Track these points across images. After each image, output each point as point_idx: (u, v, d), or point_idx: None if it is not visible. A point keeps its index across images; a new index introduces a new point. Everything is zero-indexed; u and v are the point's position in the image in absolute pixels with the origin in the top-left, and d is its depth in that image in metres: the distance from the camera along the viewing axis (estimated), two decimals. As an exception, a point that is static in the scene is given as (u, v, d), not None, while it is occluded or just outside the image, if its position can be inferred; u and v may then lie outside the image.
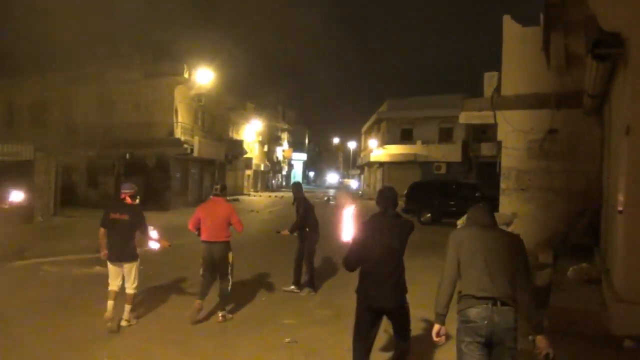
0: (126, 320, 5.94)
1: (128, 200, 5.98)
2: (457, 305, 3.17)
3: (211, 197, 6.47)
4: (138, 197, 6.10)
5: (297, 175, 74.46)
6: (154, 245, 6.35)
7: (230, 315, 6.42)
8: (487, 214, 3.38)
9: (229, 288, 6.37)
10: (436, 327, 3.23)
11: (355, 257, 3.95)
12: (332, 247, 11.72)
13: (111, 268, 5.93)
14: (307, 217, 7.85)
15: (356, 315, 4.04)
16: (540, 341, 3.07)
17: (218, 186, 6.53)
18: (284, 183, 61.12)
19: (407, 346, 4.06)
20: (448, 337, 3.42)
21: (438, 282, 3.29)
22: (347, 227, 4.52)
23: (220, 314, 6.28)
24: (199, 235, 6.30)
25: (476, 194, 18.40)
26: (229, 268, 6.37)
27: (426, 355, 5.08)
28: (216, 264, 6.23)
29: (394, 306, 3.89)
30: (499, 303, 2.97)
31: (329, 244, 9.17)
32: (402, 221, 4.08)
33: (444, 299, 3.21)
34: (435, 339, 3.23)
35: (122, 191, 6.03)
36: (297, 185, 8.32)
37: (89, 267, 9.15)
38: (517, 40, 10.96)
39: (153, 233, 6.21)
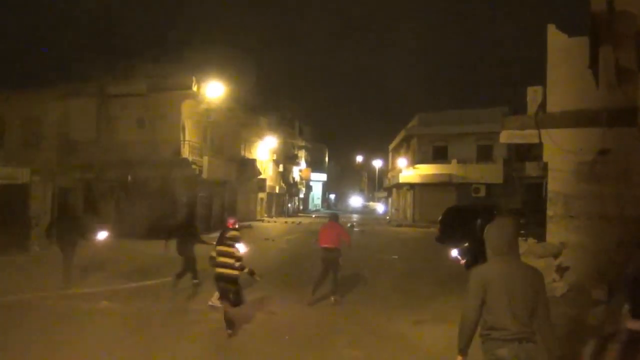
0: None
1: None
2: (482, 345, 3.66)
3: (328, 221, 10.84)
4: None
5: (315, 198, 74.93)
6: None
7: (339, 298, 10.19)
8: (504, 238, 3.74)
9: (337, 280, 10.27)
10: (459, 358, 3.73)
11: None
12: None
13: None
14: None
15: None
16: None
17: (332, 215, 11.24)
18: (301, 207, 61.60)
19: None
20: None
21: (461, 321, 3.72)
22: None
23: (332, 298, 10.13)
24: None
25: (521, 221, 18.53)
26: (338, 267, 10.27)
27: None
28: (330, 263, 10.16)
29: None
30: (524, 341, 3.50)
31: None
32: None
33: (468, 339, 3.68)
34: None
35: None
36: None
37: (96, 302, 9.69)
38: (563, 52, 11.28)
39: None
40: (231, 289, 7.70)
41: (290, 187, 53.59)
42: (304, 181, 61.90)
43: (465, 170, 35.97)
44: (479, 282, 3.65)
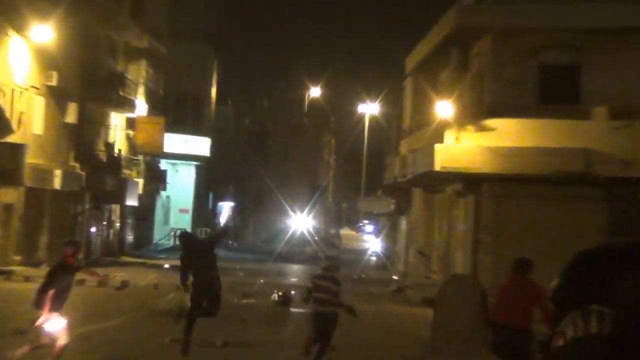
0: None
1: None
2: None
3: (515, 271, 19.49)
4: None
5: (176, 210, 74.26)
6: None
7: None
8: None
9: None
10: None
11: None
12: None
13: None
14: None
15: None
16: None
17: (521, 263, 18.93)
18: (130, 236, 61.32)
19: None
20: None
21: None
22: None
23: None
24: None
25: None
26: None
27: None
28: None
29: None
30: None
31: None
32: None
33: None
34: None
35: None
36: None
37: None
38: None
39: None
40: None
41: (101, 176, 52.95)
42: (143, 158, 62.40)
43: (636, 138, 35.49)
44: None
